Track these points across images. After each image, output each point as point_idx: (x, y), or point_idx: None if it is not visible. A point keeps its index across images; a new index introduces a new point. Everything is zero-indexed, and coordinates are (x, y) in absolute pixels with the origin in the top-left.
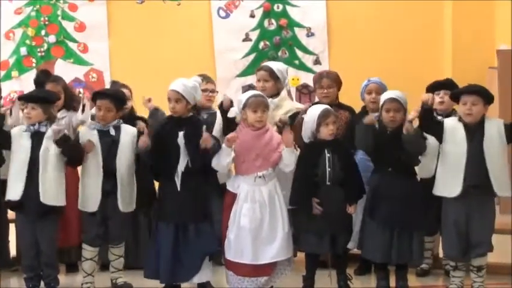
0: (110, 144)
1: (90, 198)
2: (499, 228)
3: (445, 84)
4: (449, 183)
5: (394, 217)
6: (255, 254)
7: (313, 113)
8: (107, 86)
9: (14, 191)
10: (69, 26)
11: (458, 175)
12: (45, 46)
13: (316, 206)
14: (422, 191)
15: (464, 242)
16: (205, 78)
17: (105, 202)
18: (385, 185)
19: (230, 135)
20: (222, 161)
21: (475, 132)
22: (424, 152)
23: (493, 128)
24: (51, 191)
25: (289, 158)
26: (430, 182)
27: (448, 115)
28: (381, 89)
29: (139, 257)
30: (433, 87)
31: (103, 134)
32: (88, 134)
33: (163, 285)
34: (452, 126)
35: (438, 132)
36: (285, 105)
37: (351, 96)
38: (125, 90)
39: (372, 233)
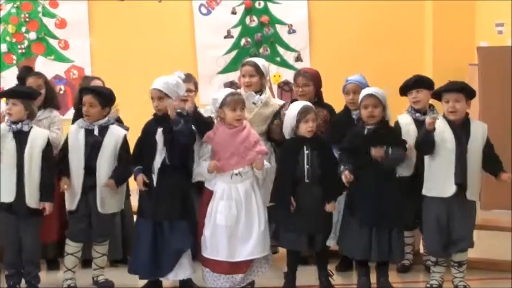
0: (92, 144)
1: (72, 196)
2: (479, 224)
3: (416, 83)
4: (441, 183)
5: (373, 215)
6: (231, 251)
7: (293, 109)
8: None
9: (7, 193)
10: (49, 22)
11: (450, 175)
12: (26, 43)
13: (292, 203)
14: (401, 189)
15: (446, 238)
16: (185, 76)
17: (88, 200)
18: (363, 183)
19: (212, 165)
20: (205, 177)
21: (461, 132)
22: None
23: (478, 132)
24: (37, 194)
25: (259, 174)
26: (409, 179)
27: (425, 112)
28: (359, 88)
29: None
30: (405, 88)
31: (88, 133)
32: (76, 133)
33: (144, 283)
34: (439, 129)
35: (431, 144)
36: (272, 103)
37: (333, 93)
38: (98, 82)
39: (350, 230)
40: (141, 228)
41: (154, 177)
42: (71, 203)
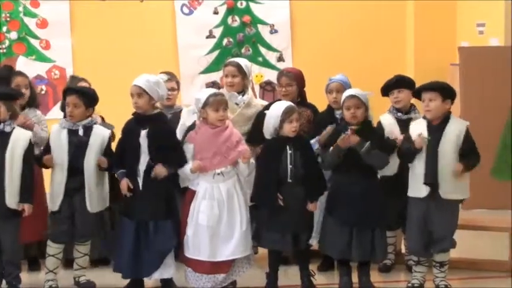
0: (77, 144)
1: (54, 197)
2: (461, 224)
3: (397, 82)
4: (417, 184)
5: (353, 215)
6: (213, 251)
7: (276, 109)
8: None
9: None
10: (31, 22)
11: (421, 174)
12: (7, 43)
13: (280, 198)
14: (382, 189)
15: (427, 238)
16: (168, 75)
17: (71, 200)
18: (344, 183)
19: (195, 165)
20: (188, 177)
21: (436, 131)
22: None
23: (454, 130)
24: (18, 195)
25: (244, 169)
26: (392, 179)
27: (407, 112)
28: (343, 87)
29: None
30: (387, 88)
31: (72, 133)
32: (58, 133)
33: (126, 283)
34: (418, 129)
35: (413, 157)
36: (254, 104)
37: (315, 93)
38: (84, 84)
39: (330, 230)
40: (125, 228)
41: (140, 179)
42: (53, 204)
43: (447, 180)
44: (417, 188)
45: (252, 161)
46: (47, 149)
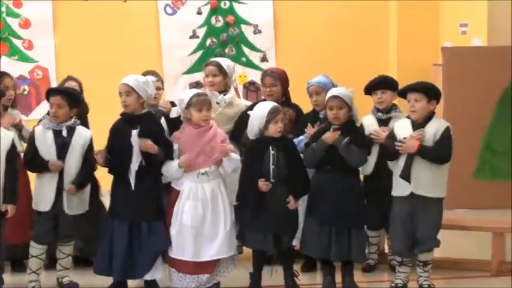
0: (61, 145)
1: (44, 198)
2: (444, 223)
3: (381, 83)
4: (399, 183)
5: (332, 215)
6: (196, 251)
7: (261, 110)
8: (53, 83)
9: None
10: (13, 22)
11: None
12: None
13: (263, 183)
14: (362, 188)
15: (411, 238)
16: (153, 75)
17: (56, 201)
18: (323, 183)
19: (183, 159)
20: (173, 176)
21: (417, 129)
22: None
23: (433, 129)
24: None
25: (228, 165)
26: (368, 178)
27: (388, 111)
28: (321, 89)
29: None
30: (370, 88)
31: (57, 133)
32: (43, 134)
33: (110, 283)
34: (402, 128)
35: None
36: (236, 102)
37: (299, 93)
38: (73, 83)
39: (310, 230)
40: (116, 230)
41: (132, 180)
42: (43, 204)
43: (420, 176)
44: (400, 187)
45: (236, 156)
46: (34, 151)
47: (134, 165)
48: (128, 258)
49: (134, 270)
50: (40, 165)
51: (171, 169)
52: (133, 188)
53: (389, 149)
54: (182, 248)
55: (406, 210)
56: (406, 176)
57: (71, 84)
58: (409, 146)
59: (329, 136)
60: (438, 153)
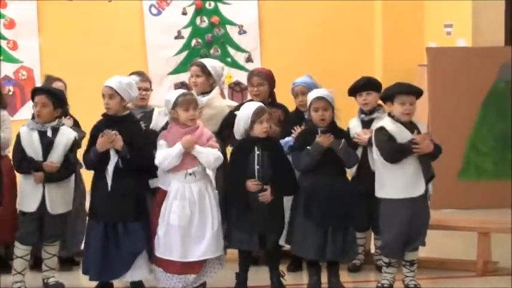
0: (46, 145)
1: (29, 198)
2: (430, 223)
3: (365, 85)
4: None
5: (329, 216)
6: (184, 252)
7: (247, 110)
8: (37, 83)
9: None
10: None
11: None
12: None
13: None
14: (354, 189)
15: (405, 239)
16: (140, 76)
17: (42, 201)
18: (318, 185)
19: (185, 139)
20: (173, 163)
21: (415, 130)
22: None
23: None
24: None
25: (209, 161)
26: (357, 180)
27: (371, 112)
28: (307, 89)
29: None
30: (355, 90)
31: (42, 134)
32: (28, 135)
33: (96, 284)
34: (396, 132)
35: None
36: (215, 104)
37: (284, 94)
38: (59, 84)
39: (304, 231)
40: (93, 230)
41: (109, 179)
42: (28, 205)
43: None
44: (400, 189)
45: (208, 150)
46: (22, 152)
47: (111, 165)
48: (104, 258)
49: (110, 271)
50: (33, 167)
51: (171, 154)
52: (109, 188)
53: (396, 149)
54: (169, 248)
55: (406, 213)
56: (428, 177)
57: (58, 84)
58: (424, 146)
59: (323, 139)
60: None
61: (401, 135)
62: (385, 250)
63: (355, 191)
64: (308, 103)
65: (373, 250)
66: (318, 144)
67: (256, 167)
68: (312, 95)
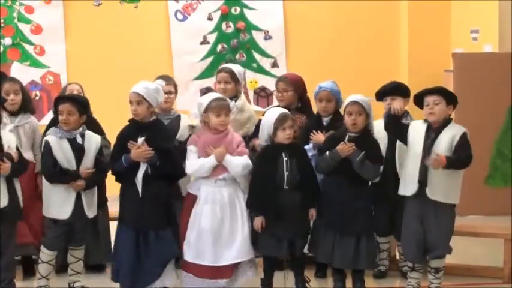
0: (78, 152)
1: (61, 206)
2: (456, 230)
3: (393, 90)
4: (407, 182)
5: (338, 220)
6: (215, 256)
7: (270, 116)
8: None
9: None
10: (25, 28)
11: (414, 174)
12: (1, 49)
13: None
14: (371, 195)
15: (422, 244)
16: (165, 80)
17: (75, 207)
18: (333, 187)
19: (217, 152)
20: (205, 173)
21: (433, 133)
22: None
23: (449, 134)
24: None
25: (236, 165)
26: (381, 184)
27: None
28: (332, 95)
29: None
30: (381, 94)
31: (72, 142)
32: (58, 144)
33: None
34: (416, 129)
35: (403, 135)
36: (247, 109)
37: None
38: (76, 87)
39: (318, 233)
40: (124, 237)
41: (139, 187)
42: (62, 211)
43: (435, 181)
44: (406, 186)
45: (237, 160)
46: (54, 161)
47: (140, 172)
48: (136, 265)
49: (142, 278)
50: (72, 178)
51: (205, 166)
52: (140, 195)
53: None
54: (201, 252)
55: (415, 214)
56: (420, 179)
57: (74, 87)
58: (439, 160)
59: (343, 149)
60: (461, 158)
61: (416, 135)
62: (404, 254)
63: (374, 197)
64: (344, 107)
65: (398, 256)
66: (337, 152)
67: (286, 173)
68: (348, 99)
